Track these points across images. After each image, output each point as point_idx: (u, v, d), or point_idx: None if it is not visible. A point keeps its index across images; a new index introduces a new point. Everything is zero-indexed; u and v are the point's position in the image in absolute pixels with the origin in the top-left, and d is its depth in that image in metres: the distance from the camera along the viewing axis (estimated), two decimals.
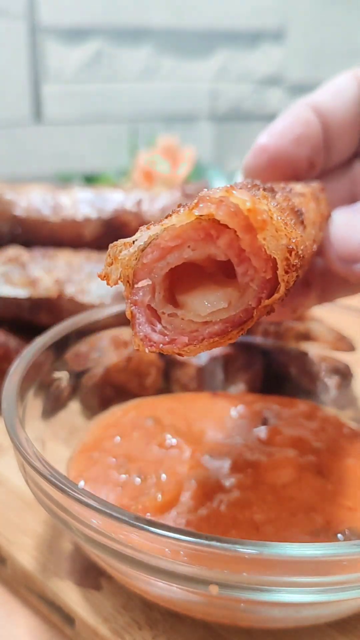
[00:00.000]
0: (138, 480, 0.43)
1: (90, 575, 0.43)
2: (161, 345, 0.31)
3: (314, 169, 0.46)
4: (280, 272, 0.29)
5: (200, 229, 0.29)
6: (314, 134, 0.45)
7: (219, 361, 0.59)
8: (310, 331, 0.61)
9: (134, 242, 0.31)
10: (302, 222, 0.34)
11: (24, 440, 0.38)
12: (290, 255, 0.29)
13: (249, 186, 0.34)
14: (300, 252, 0.30)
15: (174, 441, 0.48)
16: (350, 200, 0.47)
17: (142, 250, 0.30)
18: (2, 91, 1.63)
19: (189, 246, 0.30)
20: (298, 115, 0.45)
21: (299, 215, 0.34)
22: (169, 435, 0.48)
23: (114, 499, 0.41)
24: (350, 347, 0.61)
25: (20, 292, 0.63)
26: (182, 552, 0.31)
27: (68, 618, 0.41)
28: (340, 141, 0.46)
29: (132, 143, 1.67)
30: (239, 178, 0.50)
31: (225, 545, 0.30)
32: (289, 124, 0.44)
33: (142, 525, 0.31)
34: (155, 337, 0.31)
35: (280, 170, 0.44)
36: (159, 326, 0.32)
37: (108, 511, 0.32)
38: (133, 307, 0.31)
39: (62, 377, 0.51)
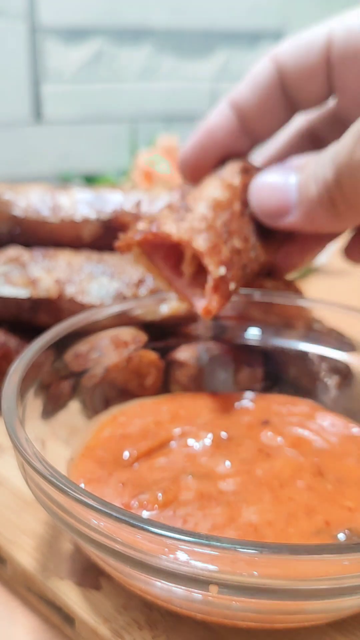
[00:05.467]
0: (139, 479, 0.43)
1: (90, 575, 0.43)
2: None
3: (245, 147, 0.55)
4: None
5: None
6: (227, 126, 0.53)
7: (219, 362, 0.59)
8: (310, 331, 0.61)
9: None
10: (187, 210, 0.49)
11: (24, 440, 0.38)
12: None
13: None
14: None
15: (173, 440, 0.48)
16: None
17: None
18: (2, 91, 1.63)
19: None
20: (216, 114, 0.54)
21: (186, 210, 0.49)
22: (168, 434, 0.48)
23: (115, 498, 0.41)
24: (350, 347, 0.61)
25: (20, 292, 0.63)
26: (181, 552, 0.31)
27: (68, 618, 0.41)
28: (260, 124, 0.54)
29: (132, 143, 1.67)
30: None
31: (225, 545, 0.30)
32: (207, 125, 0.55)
33: (142, 525, 0.31)
34: None
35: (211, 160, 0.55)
36: None
37: (108, 511, 0.32)
38: None
39: (62, 377, 0.51)
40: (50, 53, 1.66)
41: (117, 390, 0.56)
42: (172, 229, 0.47)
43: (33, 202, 0.72)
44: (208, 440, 0.47)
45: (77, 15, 1.66)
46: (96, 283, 0.63)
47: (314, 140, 0.57)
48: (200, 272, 0.49)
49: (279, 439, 0.48)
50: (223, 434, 0.48)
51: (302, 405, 0.53)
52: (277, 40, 1.94)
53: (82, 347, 0.54)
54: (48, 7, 1.61)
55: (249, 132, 0.54)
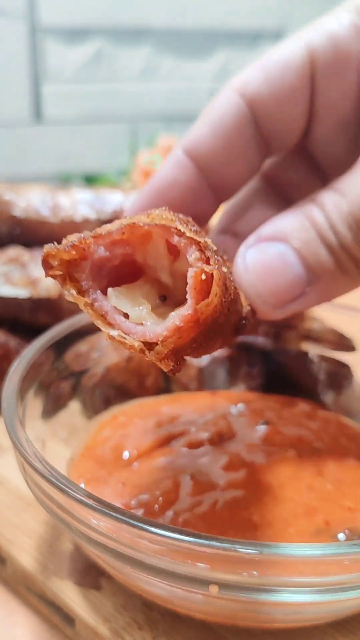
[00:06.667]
0: (138, 479, 0.43)
1: (90, 575, 0.43)
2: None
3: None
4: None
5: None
6: (185, 181, 0.41)
7: (219, 361, 0.59)
8: (310, 331, 0.61)
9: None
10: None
11: (24, 440, 0.38)
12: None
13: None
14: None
15: (173, 440, 0.48)
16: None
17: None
18: (2, 91, 1.63)
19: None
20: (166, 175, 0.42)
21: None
22: (168, 434, 0.48)
23: (115, 498, 0.41)
24: (350, 347, 0.61)
25: (20, 292, 0.63)
26: (181, 552, 0.31)
27: (68, 618, 0.41)
28: (228, 175, 0.42)
29: (132, 143, 1.67)
30: None
31: (225, 545, 0.30)
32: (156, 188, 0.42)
33: (142, 525, 0.31)
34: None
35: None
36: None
37: (108, 511, 0.32)
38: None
39: (62, 377, 0.51)
40: (50, 53, 1.67)
41: (117, 390, 0.56)
42: (141, 217, 0.32)
43: (33, 202, 0.72)
44: (208, 440, 0.47)
45: (77, 15, 1.66)
46: None
47: (273, 188, 0.46)
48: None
49: (279, 438, 0.48)
50: (223, 434, 0.48)
51: (302, 405, 0.53)
52: (277, 40, 1.94)
53: (82, 347, 0.54)
54: (48, 7, 1.61)
55: (214, 187, 0.42)
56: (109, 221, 0.72)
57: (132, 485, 0.42)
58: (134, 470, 0.45)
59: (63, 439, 0.49)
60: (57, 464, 0.36)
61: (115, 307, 0.33)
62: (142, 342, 0.32)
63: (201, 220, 0.42)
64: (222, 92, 0.40)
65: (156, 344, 0.31)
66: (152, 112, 1.85)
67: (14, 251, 0.67)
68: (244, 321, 0.36)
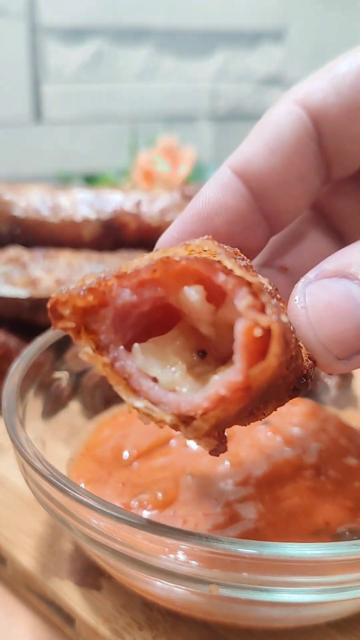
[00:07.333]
0: (138, 479, 0.43)
1: (91, 575, 0.43)
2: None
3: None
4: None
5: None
6: (236, 207, 0.35)
7: None
8: None
9: None
10: None
11: (24, 440, 0.38)
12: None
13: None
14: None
15: (173, 440, 0.48)
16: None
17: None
18: (2, 91, 1.63)
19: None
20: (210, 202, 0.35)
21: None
22: (168, 434, 0.48)
23: (115, 498, 0.41)
24: None
25: (20, 292, 0.63)
26: (181, 552, 0.31)
27: (68, 618, 0.41)
28: (285, 202, 0.36)
29: (132, 143, 1.67)
30: None
31: (225, 545, 0.30)
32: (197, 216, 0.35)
33: (141, 525, 0.31)
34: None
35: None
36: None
37: (108, 511, 0.32)
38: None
39: (62, 377, 0.51)
40: (50, 53, 1.66)
41: None
42: (177, 250, 0.27)
43: (33, 202, 0.73)
44: None
45: (77, 15, 1.66)
46: None
47: (323, 217, 0.41)
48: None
49: (279, 438, 0.48)
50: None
51: (302, 405, 0.53)
52: (277, 40, 1.94)
53: None
54: (48, 7, 1.61)
55: (267, 215, 0.36)
56: (109, 221, 0.72)
57: (132, 485, 0.42)
58: (134, 470, 0.45)
59: (63, 439, 0.48)
60: (57, 464, 0.36)
61: (141, 369, 0.26)
62: (176, 416, 0.26)
63: (248, 256, 0.34)
64: (280, 103, 0.35)
65: (194, 418, 0.25)
66: (152, 112, 1.85)
67: (14, 251, 0.67)
68: (303, 379, 0.30)
